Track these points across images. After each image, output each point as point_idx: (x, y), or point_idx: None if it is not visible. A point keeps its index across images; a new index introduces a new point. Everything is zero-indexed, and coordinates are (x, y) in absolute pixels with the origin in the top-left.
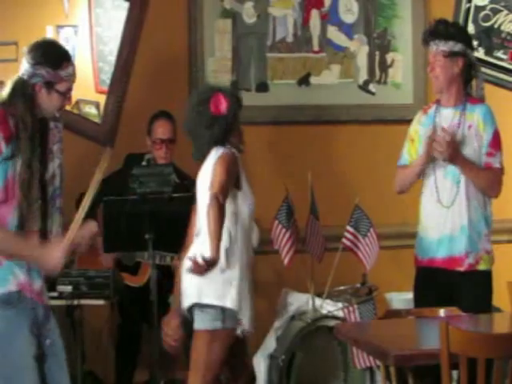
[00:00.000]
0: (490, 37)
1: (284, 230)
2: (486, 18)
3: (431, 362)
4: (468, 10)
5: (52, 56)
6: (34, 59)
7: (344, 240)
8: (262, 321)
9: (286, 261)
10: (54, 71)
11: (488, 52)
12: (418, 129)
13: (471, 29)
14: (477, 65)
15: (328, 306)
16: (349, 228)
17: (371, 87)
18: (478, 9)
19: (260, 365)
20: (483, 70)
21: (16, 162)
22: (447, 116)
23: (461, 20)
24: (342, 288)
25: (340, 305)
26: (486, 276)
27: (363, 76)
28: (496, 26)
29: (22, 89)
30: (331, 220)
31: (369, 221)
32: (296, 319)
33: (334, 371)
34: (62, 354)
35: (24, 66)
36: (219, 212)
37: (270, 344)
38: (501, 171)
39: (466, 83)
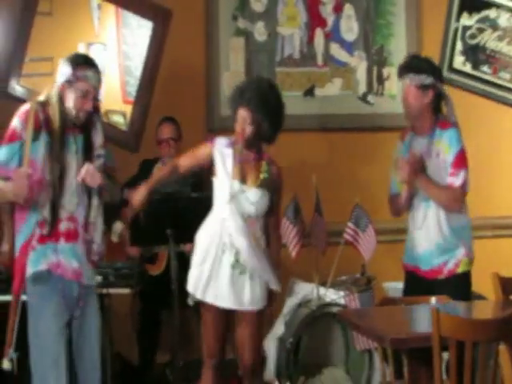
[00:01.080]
0: (476, 53)
1: (291, 226)
2: (473, 37)
3: (424, 344)
4: (456, 29)
5: (73, 57)
6: (61, 62)
7: (345, 235)
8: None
9: (293, 254)
10: (72, 70)
11: (474, 67)
12: (398, 157)
13: (459, 46)
14: (446, 95)
15: (331, 295)
16: (350, 224)
17: (370, 98)
18: (466, 28)
19: (270, 347)
20: (470, 83)
21: (39, 149)
22: (421, 144)
23: (450, 38)
24: (343, 278)
25: (342, 293)
26: (465, 278)
27: (362, 88)
28: (481, 43)
29: (54, 91)
30: (334, 217)
31: (367, 218)
32: (302, 306)
33: (336, 353)
34: (90, 328)
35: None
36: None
37: (279, 328)
38: (461, 189)
39: (437, 112)
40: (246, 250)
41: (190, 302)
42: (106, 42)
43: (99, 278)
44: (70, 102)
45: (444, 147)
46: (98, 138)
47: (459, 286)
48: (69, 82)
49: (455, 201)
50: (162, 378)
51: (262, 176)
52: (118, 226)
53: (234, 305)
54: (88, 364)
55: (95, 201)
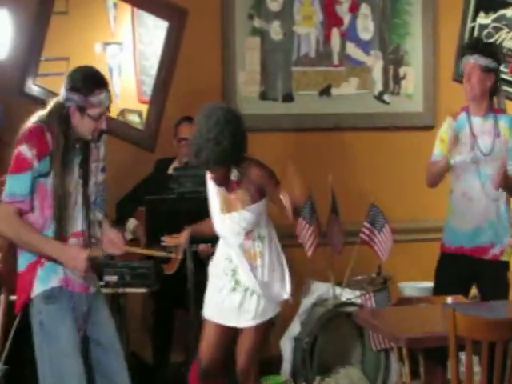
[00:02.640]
0: None
1: (307, 226)
2: (489, 36)
3: (440, 344)
4: (473, 28)
5: (84, 83)
6: (69, 84)
7: (361, 235)
8: (288, 307)
9: (309, 253)
10: (85, 97)
11: None
12: (449, 132)
13: None
14: (501, 83)
15: (347, 294)
16: (366, 224)
17: (386, 97)
18: (482, 27)
19: (286, 347)
20: None
21: (49, 177)
22: (477, 124)
23: (466, 37)
24: (359, 278)
25: (358, 293)
26: (506, 267)
27: (378, 87)
28: (498, 42)
29: (59, 110)
30: (350, 217)
31: (384, 217)
32: (318, 306)
33: (352, 353)
34: (107, 338)
35: (61, 90)
36: None
37: (295, 328)
38: None
39: (492, 96)
40: (246, 272)
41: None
42: (121, 42)
43: (115, 278)
44: (83, 127)
45: (503, 129)
46: (102, 149)
47: (501, 272)
48: (81, 108)
49: None
50: (177, 377)
51: (245, 199)
52: (132, 223)
53: (239, 323)
54: (116, 368)
55: (96, 215)
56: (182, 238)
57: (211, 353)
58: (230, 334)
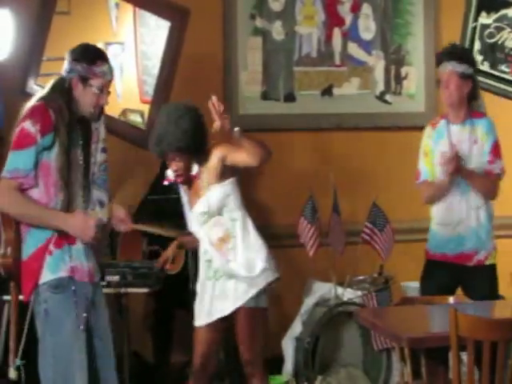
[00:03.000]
0: (495, 52)
1: (309, 226)
2: (491, 36)
3: (442, 344)
4: (474, 28)
5: (88, 53)
6: (72, 56)
7: (363, 234)
8: (290, 307)
9: (310, 253)
10: (88, 66)
11: (492, 66)
12: (429, 143)
13: (477, 45)
14: (479, 87)
15: (349, 294)
16: (367, 224)
17: (387, 97)
18: (484, 27)
19: (288, 347)
20: (488, 82)
21: (52, 152)
22: (456, 132)
23: (468, 37)
24: (361, 277)
25: (359, 293)
26: (493, 269)
27: (380, 87)
28: (500, 42)
29: (61, 85)
30: (351, 217)
31: (385, 217)
32: (320, 305)
33: (354, 352)
34: (105, 327)
35: (64, 65)
36: None
37: (296, 328)
38: (499, 177)
39: (471, 102)
40: (219, 259)
41: None
42: (123, 42)
43: (116, 278)
44: (86, 98)
45: (480, 134)
46: (102, 131)
47: (488, 276)
48: (84, 79)
49: (495, 188)
50: (179, 377)
51: (207, 184)
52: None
53: (223, 313)
54: (106, 363)
55: (96, 194)
56: (170, 251)
57: (204, 352)
58: (221, 328)
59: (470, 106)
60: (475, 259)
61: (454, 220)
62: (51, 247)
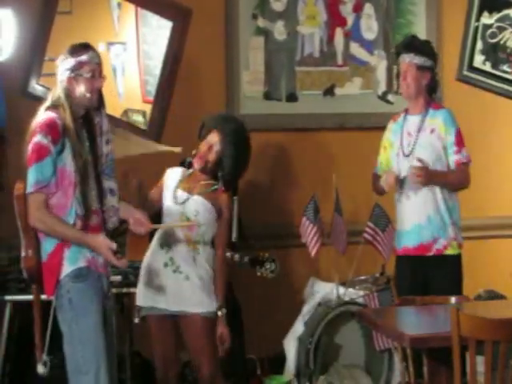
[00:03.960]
0: (497, 52)
1: (311, 226)
2: (493, 35)
3: (444, 344)
4: (477, 28)
5: (71, 49)
6: (61, 60)
7: (365, 234)
8: (292, 307)
9: (312, 253)
10: (75, 59)
11: (494, 66)
12: (389, 136)
13: (479, 45)
14: (438, 80)
15: (350, 294)
16: (369, 224)
17: (389, 97)
18: (486, 27)
19: (289, 347)
20: (490, 82)
21: (65, 155)
22: (413, 122)
23: (470, 37)
24: (363, 277)
25: (361, 293)
26: (454, 259)
27: (382, 87)
28: (502, 42)
29: (61, 91)
30: (353, 216)
31: (387, 217)
32: (322, 305)
33: (356, 352)
34: (112, 325)
35: (57, 75)
36: None
37: (298, 328)
38: (467, 165)
39: (430, 94)
40: (180, 250)
41: (136, 320)
42: (125, 41)
43: (119, 278)
44: (81, 87)
45: (439, 125)
46: (105, 123)
47: (448, 266)
48: (74, 71)
49: (467, 176)
50: (180, 377)
51: (206, 187)
52: None
53: (176, 306)
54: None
55: (107, 184)
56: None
57: (170, 352)
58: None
59: (431, 99)
60: (434, 249)
61: (410, 209)
62: (69, 242)
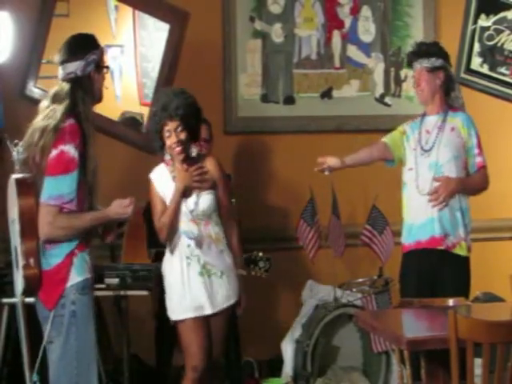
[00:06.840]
0: (494, 54)
1: (309, 228)
2: (490, 38)
3: (441, 346)
4: (474, 30)
5: (92, 41)
6: (81, 53)
7: (362, 237)
8: (289, 309)
9: (310, 255)
10: (100, 51)
11: (492, 68)
12: (407, 129)
13: (477, 47)
14: (454, 77)
15: (348, 296)
16: (367, 226)
17: (387, 100)
18: (483, 29)
19: (287, 349)
20: (487, 84)
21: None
22: (431, 121)
23: (467, 39)
24: (360, 280)
25: (359, 295)
26: (462, 260)
27: (380, 90)
28: (499, 44)
29: (81, 88)
30: (351, 219)
31: (385, 220)
32: (319, 308)
33: (353, 355)
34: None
35: (70, 69)
36: None
37: (296, 330)
38: (486, 168)
39: (447, 94)
40: (206, 252)
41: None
42: (123, 44)
43: (116, 280)
44: (100, 82)
45: (459, 125)
46: None
47: (456, 265)
48: (98, 66)
49: (487, 178)
50: (179, 379)
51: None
52: None
53: (212, 309)
54: None
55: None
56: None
57: (204, 352)
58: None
59: (448, 100)
60: (444, 244)
61: (425, 203)
62: (76, 251)
